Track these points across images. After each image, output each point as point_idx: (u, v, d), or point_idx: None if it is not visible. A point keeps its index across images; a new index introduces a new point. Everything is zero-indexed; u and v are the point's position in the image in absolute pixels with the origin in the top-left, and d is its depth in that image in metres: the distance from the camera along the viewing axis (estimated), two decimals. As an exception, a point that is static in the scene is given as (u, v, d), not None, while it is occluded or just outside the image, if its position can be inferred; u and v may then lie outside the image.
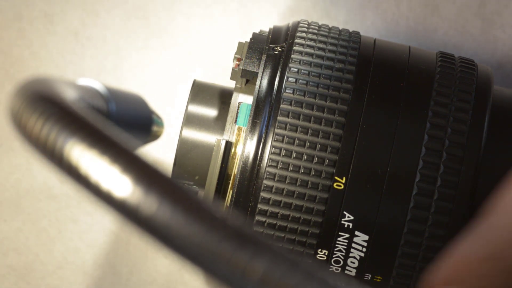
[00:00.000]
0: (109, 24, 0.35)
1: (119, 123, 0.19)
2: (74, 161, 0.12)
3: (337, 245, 0.21)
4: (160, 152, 0.34)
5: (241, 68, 0.23)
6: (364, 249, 0.21)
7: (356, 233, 0.21)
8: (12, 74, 0.35)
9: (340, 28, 0.25)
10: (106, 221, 0.36)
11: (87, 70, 0.35)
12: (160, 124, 0.23)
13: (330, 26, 0.25)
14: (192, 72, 0.34)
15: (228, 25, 0.34)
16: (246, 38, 0.25)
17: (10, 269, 0.37)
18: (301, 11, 0.33)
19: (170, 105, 0.34)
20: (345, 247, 0.21)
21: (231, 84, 0.25)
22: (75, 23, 0.35)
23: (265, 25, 0.33)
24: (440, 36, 0.35)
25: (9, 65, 0.35)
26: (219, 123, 0.23)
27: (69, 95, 0.14)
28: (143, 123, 0.22)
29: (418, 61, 0.23)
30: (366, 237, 0.21)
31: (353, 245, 0.21)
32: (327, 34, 0.23)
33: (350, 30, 0.25)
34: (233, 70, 0.23)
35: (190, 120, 0.23)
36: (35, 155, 0.13)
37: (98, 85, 0.19)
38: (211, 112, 0.24)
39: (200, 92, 0.24)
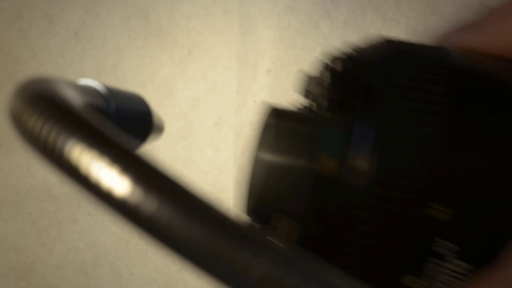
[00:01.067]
0: (109, 24, 0.35)
1: (119, 123, 0.19)
2: (74, 161, 0.12)
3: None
4: (160, 152, 0.34)
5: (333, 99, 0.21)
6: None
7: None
8: (13, 74, 0.35)
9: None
10: (106, 221, 0.36)
11: (87, 70, 0.35)
12: (160, 124, 0.23)
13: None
14: (192, 72, 0.34)
15: (228, 25, 0.34)
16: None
17: (10, 269, 0.37)
18: (301, 11, 0.33)
19: (170, 105, 0.34)
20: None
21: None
22: (76, 23, 0.35)
23: (265, 25, 0.33)
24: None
25: (9, 65, 0.35)
26: (299, 149, 0.21)
27: (69, 95, 0.14)
28: (143, 123, 0.22)
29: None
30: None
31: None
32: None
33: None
34: (318, 101, 0.22)
35: (266, 144, 0.21)
36: (35, 155, 0.13)
37: (98, 85, 0.19)
38: (291, 137, 0.21)
39: (282, 116, 0.22)
